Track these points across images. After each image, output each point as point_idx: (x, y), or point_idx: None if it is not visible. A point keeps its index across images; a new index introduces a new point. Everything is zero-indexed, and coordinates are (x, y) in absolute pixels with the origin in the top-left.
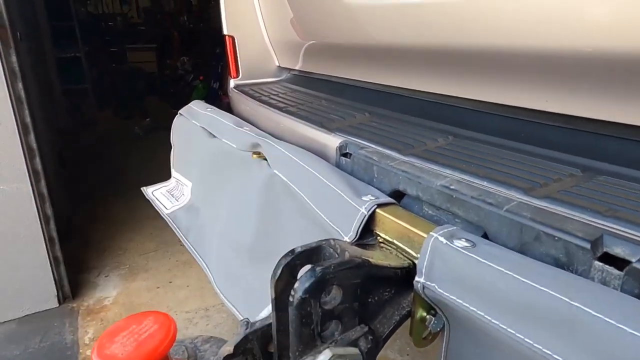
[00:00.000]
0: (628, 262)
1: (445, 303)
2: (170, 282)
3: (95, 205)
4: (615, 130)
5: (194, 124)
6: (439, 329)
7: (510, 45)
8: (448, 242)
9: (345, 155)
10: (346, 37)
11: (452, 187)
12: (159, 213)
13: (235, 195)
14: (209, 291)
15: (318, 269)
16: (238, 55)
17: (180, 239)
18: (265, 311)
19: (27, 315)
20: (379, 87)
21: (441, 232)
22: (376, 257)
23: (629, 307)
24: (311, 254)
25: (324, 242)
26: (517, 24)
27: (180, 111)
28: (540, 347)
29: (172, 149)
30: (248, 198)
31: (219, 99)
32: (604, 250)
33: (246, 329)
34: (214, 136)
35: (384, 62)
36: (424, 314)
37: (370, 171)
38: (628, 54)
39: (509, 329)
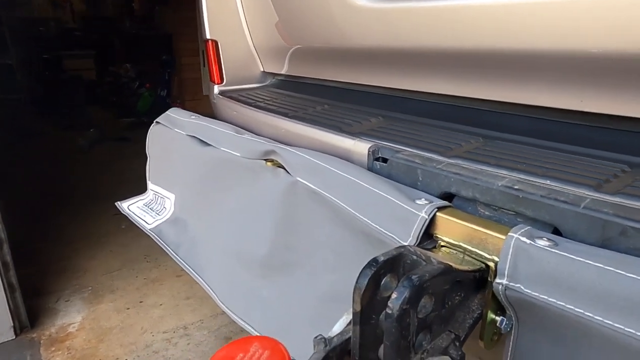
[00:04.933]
0: None
1: (529, 302)
2: (141, 302)
3: (47, 226)
4: None
5: (178, 133)
6: (509, 329)
7: (517, 47)
8: (532, 242)
9: (379, 159)
10: (347, 40)
11: (516, 187)
12: (118, 229)
13: (241, 205)
14: (186, 308)
15: (415, 277)
16: (222, 60)
17: (169, 254)
18: (338, 325)
19: None
20: (383, 90)
21: (521, 232)
22: (450, 261)
23: None
24: (393, 262)
25: (403, 249)
26: (532, 26)
27: (157, 120)
28: None
29: (148, 160)
30: (260, 208)
31: (168, 107)
32: None
33: (325, 346)
34: (208, 145)
35: (387, 64)
36: (493, 315)
37: (413, 175)
38: None
39: (615, 324)
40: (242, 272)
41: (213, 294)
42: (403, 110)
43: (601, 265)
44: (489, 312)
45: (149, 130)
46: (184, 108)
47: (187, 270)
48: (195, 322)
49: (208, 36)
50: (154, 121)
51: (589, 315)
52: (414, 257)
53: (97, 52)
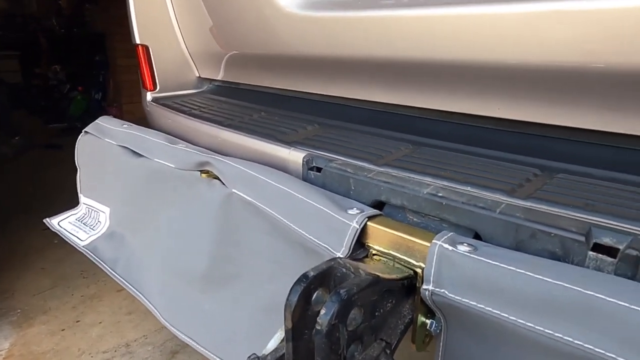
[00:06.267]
0: (617, 250)
1: (454, 306)
2: (78, 322)
3: None
4: (562, 133)
5: (108, 143)
6: (439, 331)
7: (450, 58)
8: (453, 248)
9: (313, 169)
10: (282, 47)
11: (439, 194)
12: (50, 243)
13: (178, 218)
14: (127, 324)
15: (343, 291)
16: (154, 65)
17: (107, 272)
18: (272, 342)
19: None
20: (319, 97)
21: (444, 238)
22: (380, 270)
23: (636, 291)
24: (323, 276)
25: (333, 262)
26: (461, 38)
27: (86, 129)
28: (561, 336)
29: (79, 173)
30: (197, 220)
31: (103, 111)
32: (594, 241)
33: None
34: (141, 155)
35: (322, 72)
36: (424, 319)
37: (345, 184)
38: (576, 67)
39: (527, 323)
40: (182, 286)
41: (154, 309)
42: (339, 117)
43: (513, 268)
44: (420, 316)
45: (78, 141)
46: (121, 111)
47: (126, 287)
48: (139, 338)
49: (138, 41)
50: (83, 131)
51: (505, 316)
52: (344, 270)
53: (22, 52)
